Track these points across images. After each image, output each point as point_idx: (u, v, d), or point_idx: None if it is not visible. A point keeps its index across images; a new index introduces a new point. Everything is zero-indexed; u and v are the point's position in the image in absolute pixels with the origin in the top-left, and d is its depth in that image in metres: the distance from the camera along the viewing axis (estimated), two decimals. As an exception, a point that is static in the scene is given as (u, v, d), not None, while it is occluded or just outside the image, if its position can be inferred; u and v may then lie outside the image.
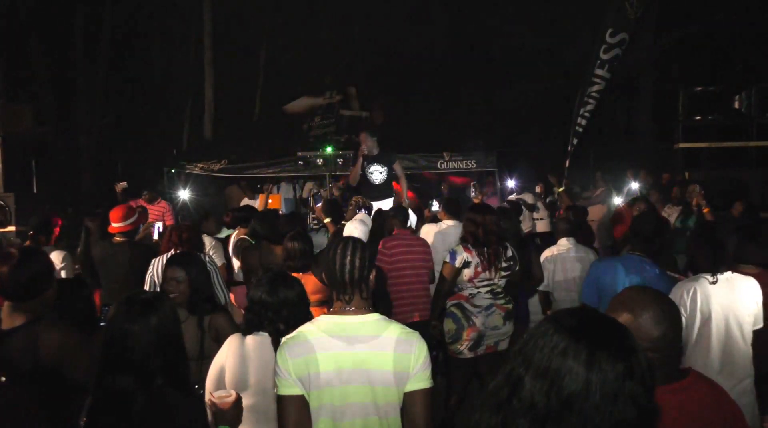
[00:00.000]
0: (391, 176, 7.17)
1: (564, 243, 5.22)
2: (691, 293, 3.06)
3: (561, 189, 7.87)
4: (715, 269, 3.12)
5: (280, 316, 2.61)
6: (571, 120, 10.04)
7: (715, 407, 1.75)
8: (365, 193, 7.00)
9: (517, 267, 4.32)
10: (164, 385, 2.01)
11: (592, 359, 1.17)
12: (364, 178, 7.04)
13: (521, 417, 1.20)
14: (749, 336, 3.05)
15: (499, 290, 4.23)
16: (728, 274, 3.12)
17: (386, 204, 6.90)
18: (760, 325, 3.11)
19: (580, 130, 9.89)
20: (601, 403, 1.16)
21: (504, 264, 4.22)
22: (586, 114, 9.81)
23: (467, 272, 4.15)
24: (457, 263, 4.14)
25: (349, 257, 2.18)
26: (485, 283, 4.18)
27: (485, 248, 4.16)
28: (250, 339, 2.66)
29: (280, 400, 2.08)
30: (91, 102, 15.37)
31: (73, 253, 5.54)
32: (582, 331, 1.22)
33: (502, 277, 4.23)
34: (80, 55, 15.25)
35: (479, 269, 4.14)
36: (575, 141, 9.95)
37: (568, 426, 1.17)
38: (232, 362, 2.63)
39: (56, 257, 4.90)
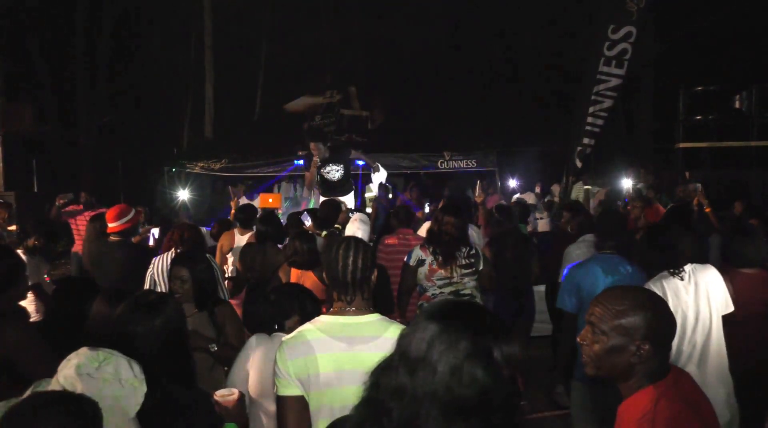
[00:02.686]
0: (348, 171, 7.43)
1: (588, 238, 5.20)
2: (660, 291, 3.03)
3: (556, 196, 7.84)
4: (672, 266, 3.12)
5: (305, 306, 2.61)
6: (579, 119, 9.95)
7: (701, 395, 1.81)
8: (325, 191, 7.28)
9: (481, 267, 4.29)
10: (170, 384, 2.00)
11: (434, 334, 1.23)
12: (323, 178, 7.29)
13: (383, 394, 1.27)
14: (721, 326, 3.05)
15: (466, 291, 4.22)
16: (688, 267, 3.11)
17: (348, 199, 7.21)
18: (731, 309, 3.12)
19: (596, 129, 9.79)
20: (440, 377, 1.20)
21: (464, 262, 4.22)
22: (601, 113, 9.73)
23: (422, 270, 4.21)
24: (412, 261, 4.23)
25: (351, 258, 2.16)
26: (445, 282, 4.19)
27: (439, 246, 4.20)
28: (277, 339, 2.61)
29: (280, 401, 2.06)
30: (92, 101, 15.38)
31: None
32: (437, 312, 1.29)
33: (464, 275, 4.22)
34: (81, 55, 15.26)
35: (434, 266, 4.18)
36: (587, 140, 9.85)
37: (413, 398, 1.21)
38: (258, 363, 2.57)
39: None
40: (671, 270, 3.10)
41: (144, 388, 1.65)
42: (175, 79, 17.09)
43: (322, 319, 2.15)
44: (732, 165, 10.58)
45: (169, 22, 16.80)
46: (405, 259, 4.29)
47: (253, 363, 2.58)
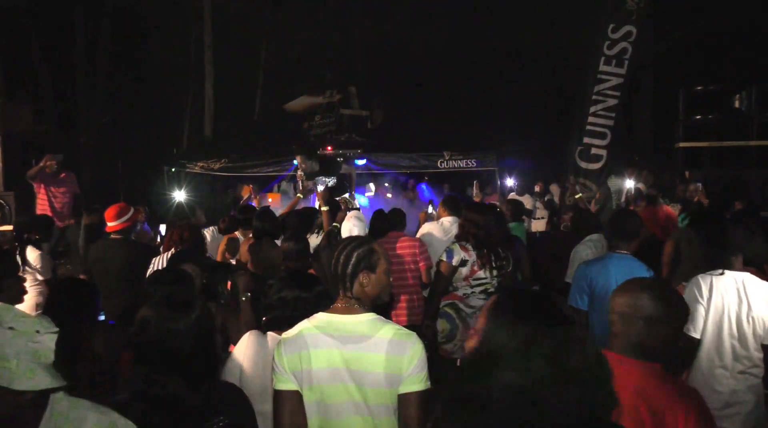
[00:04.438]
0: (342, 181, 7.51)
1: (594, 238, 5.21)
2: (708, 286, 3.07)
3: (579, 195, 7.75)
4: (723, 267, 3.13)
5: (317, 310, 2.59)
6: (580, 119, 9.91)
7: (669, 403, 1.81)
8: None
9: (510, 268, 4.32)
10: (208, 380, 2.01)
11: (502, 321, 1.33)
12: (316, 185, 7.44)
13: (498, 393, 1.31)
14: (760, 336, 3.04)
15: (492, 290, 4.24)
16: (742, 275, 3.10)
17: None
18: None
19: (599, 129, 9.74)
20: (515, 359, 1.28)
21: (501, 264, 4.24)
22: (604, 113, 9.68)
23: (464, 271, 4.17)
24: (454, 262, 4.17)
25: (336, 254, 2.21)
26: (479, 282, 4.20)
27: (484, 249, 4.17)
28: (271, 338, 2.60)
29: (276, 395, 2.11)
30: (91, 101, 15.37)
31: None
32: (505, 301, 1.39)
33: (495, 277, 4.24)
34: (80, 54, 15.25)
35: (475, 267, 4.17)
36: (587, 139, 9.79)
37: (496, 379, 1.28)
38: (250, 362, 2.56)
39: (34, 257, 4.93)
40: (721, 271, 3.11)
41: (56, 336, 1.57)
42: (174, 78, 17.08)
43: (319, 316, 2.19)
44: (732, 165, 10.57)
45: (169, 22, 16.78)
46: (444, 258, 4.23)
47: (245, 359, 2.58)
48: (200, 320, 2.03)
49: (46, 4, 14.43)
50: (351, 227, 4.87)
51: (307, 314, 2.54)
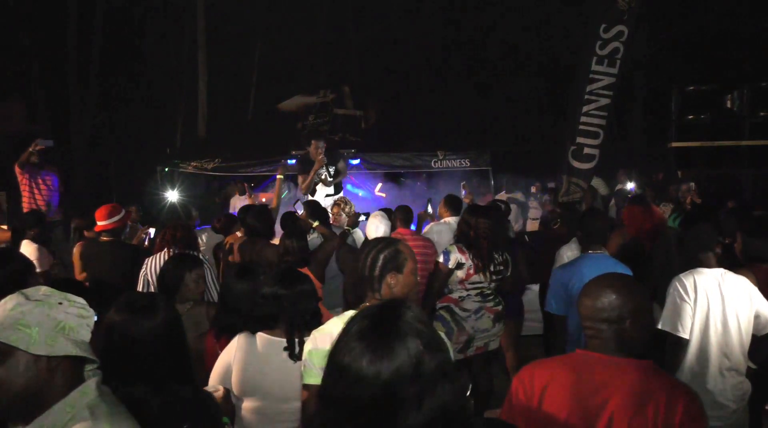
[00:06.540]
0: (338, 174, 7.44)
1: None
2: (692, 284, 3.08)
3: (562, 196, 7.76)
4: (698, 265, 3.17)
5: (296, 308, 2.58)
6: (572, 119, 9.93)
7: (660, 396, 1.79)
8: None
9: (509, 273, 4.28)
10: (175, 384, 1.98)
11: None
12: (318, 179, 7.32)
13: None
14: (746, 332, 3.07)
15: (488, 291, 4.21)
16: (719, 271, 3.13)
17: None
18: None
19: (592, 128, 9.75)
20: None
21: (498, 268, 4.20)
22: (597, 112, 9.69)
23: (459, 274, 4.12)
24: (451, 264, 4.11)
25: (363, 255, 2.27)
26: (474, 286, 4.16)
27: (477, 251, 4.14)
28: (260, 338, 2.62)
29: (304, 389, 2.16)
30: (84, 101, 15.30)
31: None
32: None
33: (493, 281, 4.19)
34: (73, 54, 15.17)
35: (471, 271, 4.11)
36: (580, 139, 9.81)
37: None
38: (241, 362, 2.58)
39: (30, 250, 4.95)
40: (697, 269, 3.14)
41: (92, 319, 1.61)
42: (168, 78, 17.03)
43: (348, 314, 2.21)
44: (724, 164, 10.62)
45: (162, 21, 16.74)
46: (441, 259, 4.17)
47: (236, 360, 2.60)
48: (165, 324, 2.00)
49: (39, 3, 14.36)
50: (376, 226, 4.84)
51: (284, 311, 2.59)
